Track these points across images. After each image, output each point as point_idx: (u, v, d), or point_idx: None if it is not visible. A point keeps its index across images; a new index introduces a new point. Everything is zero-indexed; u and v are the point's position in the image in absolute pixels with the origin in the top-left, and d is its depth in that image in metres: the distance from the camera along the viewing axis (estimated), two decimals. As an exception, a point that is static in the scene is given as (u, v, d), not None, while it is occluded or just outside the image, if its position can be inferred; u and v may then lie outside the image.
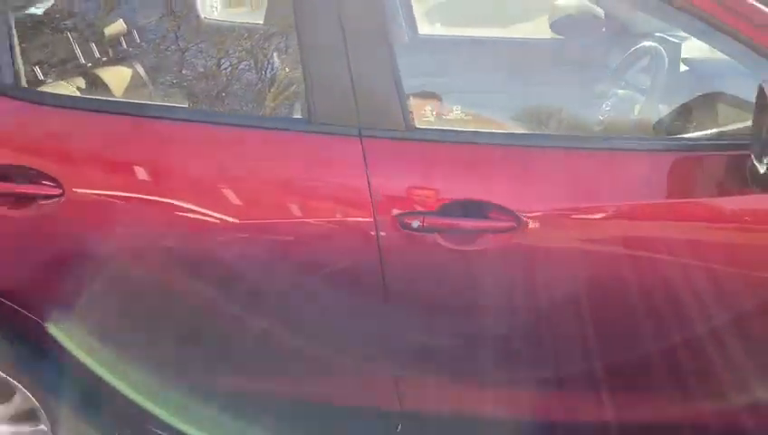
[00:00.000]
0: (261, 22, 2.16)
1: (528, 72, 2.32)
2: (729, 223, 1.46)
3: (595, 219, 1.46)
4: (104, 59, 2.02)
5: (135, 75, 2.08)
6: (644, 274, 1.44)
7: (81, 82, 1.92)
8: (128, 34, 2.25)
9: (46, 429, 1.75)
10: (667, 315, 1.46)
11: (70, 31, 1.87)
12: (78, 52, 1.88)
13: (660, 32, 2.22)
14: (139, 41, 2.24)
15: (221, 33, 2.38)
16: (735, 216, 1.45)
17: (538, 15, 2.92)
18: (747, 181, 1.36)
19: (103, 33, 2.01)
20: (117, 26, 2.20)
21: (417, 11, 2.89)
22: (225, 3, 2.76)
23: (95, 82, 1.98)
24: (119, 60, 2.15)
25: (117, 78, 2.06)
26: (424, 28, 2.75)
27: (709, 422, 1.61)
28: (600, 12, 2.46)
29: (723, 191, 1.45)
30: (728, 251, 1.45)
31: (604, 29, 2.47)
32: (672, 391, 1.57)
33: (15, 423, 1.77)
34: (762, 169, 1.26)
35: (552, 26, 2.72)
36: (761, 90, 1.30)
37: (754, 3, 1.46)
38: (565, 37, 2.64)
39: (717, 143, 1.50)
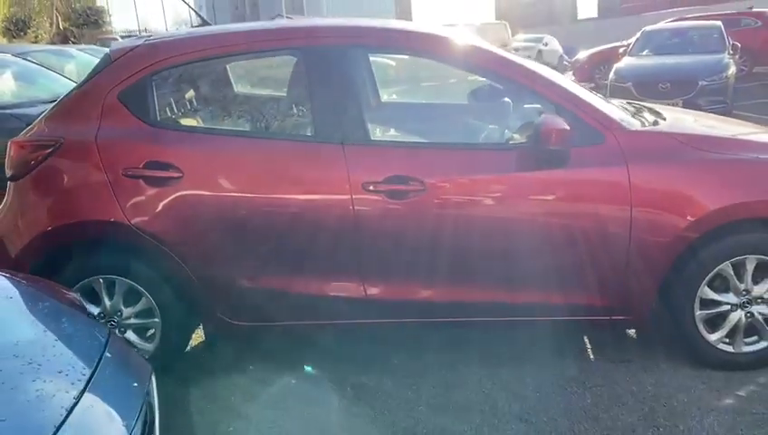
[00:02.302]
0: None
1: (445, 119, 3.75)
2: (530, 185, 2.81)
3: (461, 184, 2.81)
4: (187, 112, 3.36)
5: (205, 121, 3.40)
6: (486, 211, 2.80)
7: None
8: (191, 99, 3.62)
9: (158, 320, 2.99)
10: (501, 233, 2.79)
11: (179, 93, 3.23)
12: (181, 106, 3.23)
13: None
14: (203, 103, 3.58)
15: (260, 98, 3.76)
16: (532, 181, 2.81)
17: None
18: (538, 162, 2.74)
19: (190, 96, 3.37)
20: (191, 93, 3.56)
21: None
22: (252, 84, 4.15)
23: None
24: (194, 113, 3.48)
25: (195, 122, 3.40)
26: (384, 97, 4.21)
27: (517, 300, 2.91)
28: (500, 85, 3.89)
29: (526, 168, 2.80)
30: (527, 198, 2.81)
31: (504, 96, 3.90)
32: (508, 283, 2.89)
33: (139, 318, 3.01)
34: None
35: (470, 95, 4.18)
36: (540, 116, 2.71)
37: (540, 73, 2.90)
38: (478, 101, 4.08)
39: (527, 145, 2.88)
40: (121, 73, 2.95)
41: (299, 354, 3.26)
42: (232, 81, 3.49)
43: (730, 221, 2.78)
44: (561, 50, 26.39)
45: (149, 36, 3.29)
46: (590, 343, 3.30)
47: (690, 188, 2.78)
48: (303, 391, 2.99)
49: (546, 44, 25.69)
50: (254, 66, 3.86)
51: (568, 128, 2.68)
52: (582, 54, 17.77)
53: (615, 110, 3.07)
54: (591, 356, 3.19)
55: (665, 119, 3.18)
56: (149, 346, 3.03)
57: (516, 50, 23.58)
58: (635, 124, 3.00)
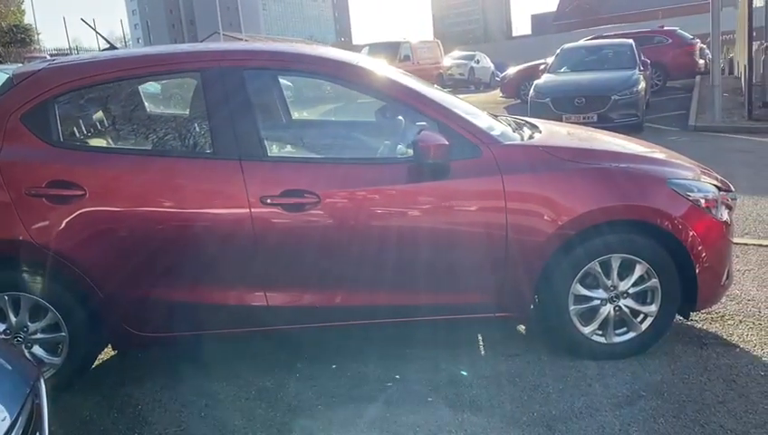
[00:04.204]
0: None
1: (346, 135, 3.98)
2: (415, 196, 3.06)
3: (353, 196, 3.03)
4: (90, 133, 3.47)
5: (107, 141, 3.52)
6: (377, 220, 3.02)
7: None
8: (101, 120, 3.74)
9: (65, 334, 3.08)
10: (392, 240, 3.02)
11: (81, 115, 3.34)
12: (83, 127, 3.35)
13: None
14: (106, 124, 3.71)
15: (162, 118, 3.91)
16: (416, 192, 3.05)
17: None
18: (421, 174, 2.99)
19: (93, 118, 3.48)
20: (97, 114, 3.68)
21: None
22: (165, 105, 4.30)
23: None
24: (96, 134, 3.60)
25: (97, 142, 3.51)
26: (295, 115, 4.42)
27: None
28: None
29: (411, 180, 3.04)
30: (413, 207, 3.06)
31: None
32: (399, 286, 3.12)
33: (46, 332, 3.09)
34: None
35: (377, 112, 4.43)
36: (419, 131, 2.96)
37: (424, 93, 3.15)
38: (383, 118, 4.33)
39: (412, 159, 3.11)
40: (24, 96, 3.06)
41: (204, 362, 3.40)
42: (140, 101, 3.62)
43: (595, 224, 3.09)
44: (492, 66, 27.30)
45: (53, 60, 3.40)
46: (483, 339, 3.56)
47: (558, 195, 3.07)
48: (208, 395, 3.13)
49: (478, 62, 26.53)
50: (165, 87, 4.01)
51: (446, 143, 2.94)
52: (511, 71, 18.47)
53: (496, 125, 3.37)
54: (483, 352, 3.45)
55: (540, 132, 3.50)
56: (57, 360, 3.11)
57: (449, 67, 24.31)
58: (513, 138, 3.30)
